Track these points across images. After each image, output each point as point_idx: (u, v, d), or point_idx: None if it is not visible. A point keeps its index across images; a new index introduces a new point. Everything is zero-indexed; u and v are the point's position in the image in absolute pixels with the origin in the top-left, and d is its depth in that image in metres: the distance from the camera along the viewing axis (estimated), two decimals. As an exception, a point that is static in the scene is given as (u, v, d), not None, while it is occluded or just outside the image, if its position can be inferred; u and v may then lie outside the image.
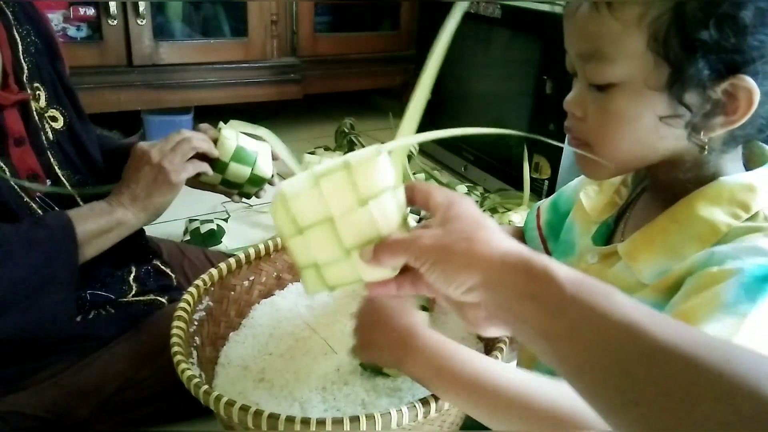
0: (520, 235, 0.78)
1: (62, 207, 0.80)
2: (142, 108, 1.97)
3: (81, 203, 0.83)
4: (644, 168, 0.57)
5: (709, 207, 0.51)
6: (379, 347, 0.56)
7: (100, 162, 0.89)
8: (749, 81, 0.47)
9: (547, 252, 0.75)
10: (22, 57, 0.78)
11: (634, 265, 0.54)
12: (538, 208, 0.77)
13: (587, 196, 0.65)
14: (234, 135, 0.94)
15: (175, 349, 0.61)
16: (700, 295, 0.47)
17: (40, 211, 0.78)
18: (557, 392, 0.48)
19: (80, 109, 0.88)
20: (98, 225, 0.78)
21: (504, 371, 0.51)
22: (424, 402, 0.53)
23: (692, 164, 0.52)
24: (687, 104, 0.48)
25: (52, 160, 0.80)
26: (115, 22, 1.77)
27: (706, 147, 0.51)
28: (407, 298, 0.59)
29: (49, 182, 0.79)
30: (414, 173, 1.86)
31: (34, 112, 0.78)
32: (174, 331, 0.63)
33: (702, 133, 0.50)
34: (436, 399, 0.53)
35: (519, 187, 1.64)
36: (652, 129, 0.51)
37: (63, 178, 0.81)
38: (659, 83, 0.48)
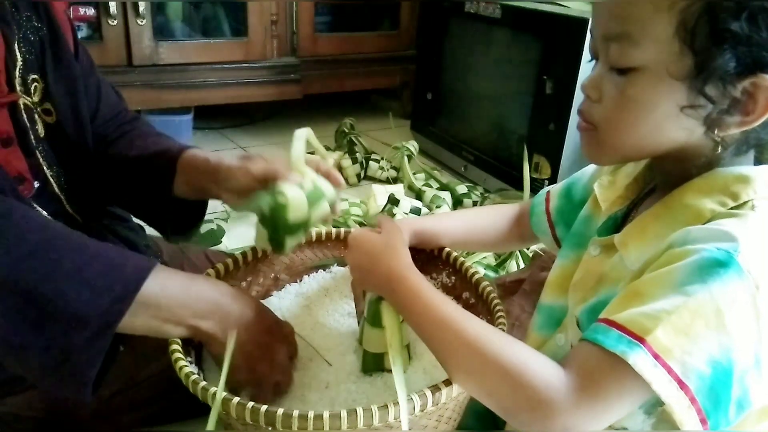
0: (526, 214, 0.78)
1: (48, 209, 0.75)
2: (142, 108, 1.97)
3: (68, 207, 0.79)
4: (652, 162, 0.56)
5: (700, 196, 0.51)
6: (378, 273, 0.61)
7: (89, 160, 0.84)
8: None
9: (555, 238, 0.75)
10: (17, 48, 0.74)
11: (625, 253, 0.54)
12: (548, 192, 0.76)
13: (601, 186, 0.64)
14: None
15: (174, 347, 0.61)
16: (656, 271, 0.48)
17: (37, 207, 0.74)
18: (513, 343, 0.51)
19: (79, 98, 0.82)
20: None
21: (469, 319, 0.54)
22: (421, 395, 0.53)
23: (702, 162, 0.52)
24: (707, 96, 0.48)
25: (41, 160, 0.76)
26: (115, 22, 1.77)
27: (720, 145, 0.50)
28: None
29: (36, 184, 0.76)
30: (414, 173, 1.86)
31: (23, 111, 0.74)
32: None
33: (717, 130, 0.50)
34: (433, 392, 0.53)
35: (519, 187, 1.64)
36: (666, 119, 0.50)
37: (51, 180, 0.78)
38: (681, 72, 0.48)
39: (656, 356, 0.44)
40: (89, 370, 0.59)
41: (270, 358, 0.65)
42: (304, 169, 0.73)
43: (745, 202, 0.50)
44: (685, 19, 0.47)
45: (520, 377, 0.48)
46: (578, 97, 0.56)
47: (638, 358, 0.44)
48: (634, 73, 0.50)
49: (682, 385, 0.44)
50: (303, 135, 0.75)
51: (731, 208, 0.50)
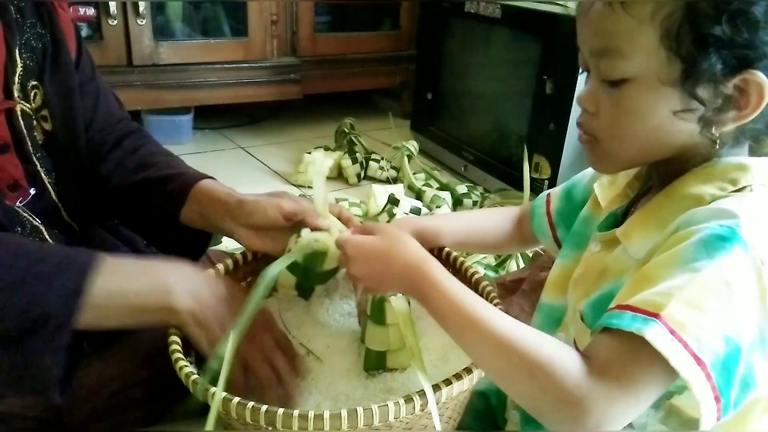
0: (527, 216, 0.78)
1: (43, 217, 0.75)
2: (142, 108, 1.98)
3: (65, 214, 0.79)
4: (653, 163, 0.57)
5: (700, 184, 0.52)
6: (394, 272, 0.58)
7: (83, 170, 0.84)
8: (761, 76, 0.47)
9: (556, 239, 0.75)
10: (18, 54, 0.74)
11: (629, 244, 0.55)
12: (548, 194, 0.77)
13: (601, 186, 0.65)
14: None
15: (174, 347, 0.61)
16: (663, 254, 0.48)
17: (26, 215, 0.73)
18: (539, 340, 0.49)
19: (74, 106, 0.81)
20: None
21: (496, 315, 0.52)
22: (421, 395, 0.53)
23: (700, 158, 0.53)
24: (699, 99, 0.49)
25: (39, 167, 0.76)
26: (115, 22, 1.77)
27: (718, 142, 0.51)
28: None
29: (33, 191, 0.76)
30: (414, 173, 1.86)
31: (20, 118, 0.74)
32: (172, 329, 0.63)
33: (713, 128, 0.50)
34: (434, 392, 0.53)
35: (519, 187, 1.64)
36: (664, 124, 0.51)
37: (50, 186, 0.77)
38: (672, 78, 0.49)
39: (672, 331, 0.43)
40: (51, 371, 0.59)
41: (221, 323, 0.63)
42: (328, 213, 0.73)
43: (744, 187, 0.50)
44: (668, 27, 0.48)
45: (545, 378, 0.47)
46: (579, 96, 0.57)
47: (655, 333, 0.43)
48: (626, 84, 0.51)
49: (698, 360, 0.43)
50: (322, 172, 0.73)
51: (731, 193, 0.50)
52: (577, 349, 0.58)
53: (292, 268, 0.69)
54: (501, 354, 0.49)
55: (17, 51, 0.74)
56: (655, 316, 0.44)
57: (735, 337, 0.44)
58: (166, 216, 0.81)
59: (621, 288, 0.53)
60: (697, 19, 0.47)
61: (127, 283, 0.62)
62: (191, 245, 0.85)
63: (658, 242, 0.51)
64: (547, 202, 0.76)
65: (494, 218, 0.81)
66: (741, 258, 0.45)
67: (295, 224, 0.74)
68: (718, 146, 0.51)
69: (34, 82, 0.77)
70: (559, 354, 0.48)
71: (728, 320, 0.45)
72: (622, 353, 0.46)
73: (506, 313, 0.65)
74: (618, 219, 0.62)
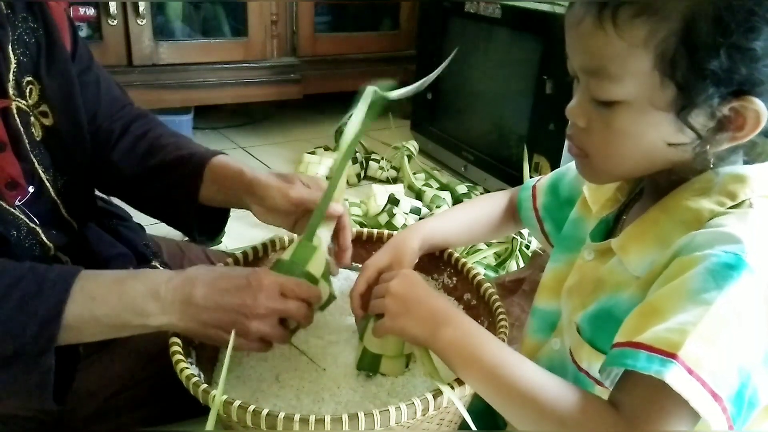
0: (515, 207, 0.78)
1: (43, 215, 0.75)
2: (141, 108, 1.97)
3: (64, 211, 0.79)
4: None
5: (697, 197, 0.51)
6: (412, 318, 0.57)
7: (87, 163, 0.84)
8: (758, 102, 0.46)
9: (544, 232, 0.75)
10: (11, 50, 0.73)
11: (626, 258, 0.54)
12: (534, 187, 0.76)
13: (590, 189, 0.65)
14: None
15: (174, 348, 0.61)
16: (668, 284, 0.47)
17: (22, 217, 0.73)
18: (563, 391, 0.48)
19: (75, 99, 0.80)
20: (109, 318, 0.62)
21: (522, 365, 0.51)
22: (423, 400, 0.53)
23: (696, 171, 0.52)
24: (693, 126, 0.48)
25: (36, 165, 0.75)
26: (115, 22, 1.77)
27: (712, 160, 0.50)
28: None
29: (31, 189, 0.75)
30: (414, 173, 1.86)
31: (16, 115, 0.73)
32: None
33: (708, 148, 0.49)
34: (435, 397, 0.53)
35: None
36: (656, 146, 0.50)
37: (48, 183, 0.77)
38: (665, 103, 0.48)
39: (690, 370, 0.43)
40: (43, 391, 0.61)
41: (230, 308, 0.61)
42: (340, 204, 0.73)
43: (743, 201, 0.49)
44: (663, 52, 0.46)
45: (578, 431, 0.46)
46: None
47: (674, 376, 0.43)
48: (618, 105, 0.50)
49: (715, 396, 0.43)
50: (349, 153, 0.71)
51: (729, 208, 0.49)
52: (574, 360, 0.58)
53: (279, 263, 0.69)
54: (530, 405, 0.49)
55: (10, 47, 0.73)
56: (673, 356, 0.43)
57: (747, 365, 0.44)
58: (184, 198, 0.83)
59: (618, 302, 0.52)
60: (693, 46, 0.45)
61: (99, 308, 0.62)
62: (210, 223, 0.88)
63: (658, 262, 0.50)
64: (533, 196, 0.75)
65: (489, 211, 0.80)
66: (749, 284, 0.45)
67: (303, 211, 0.75)
68: (713, 164, 0.51)
69: (29, 78, 0.76)
70: (590, 407, 0.47)
71: (740, 350, 0.44)
72: (646, 401, 0.45)
73: (506, 313, 0.66)
74: (610, 225, 0.61)
